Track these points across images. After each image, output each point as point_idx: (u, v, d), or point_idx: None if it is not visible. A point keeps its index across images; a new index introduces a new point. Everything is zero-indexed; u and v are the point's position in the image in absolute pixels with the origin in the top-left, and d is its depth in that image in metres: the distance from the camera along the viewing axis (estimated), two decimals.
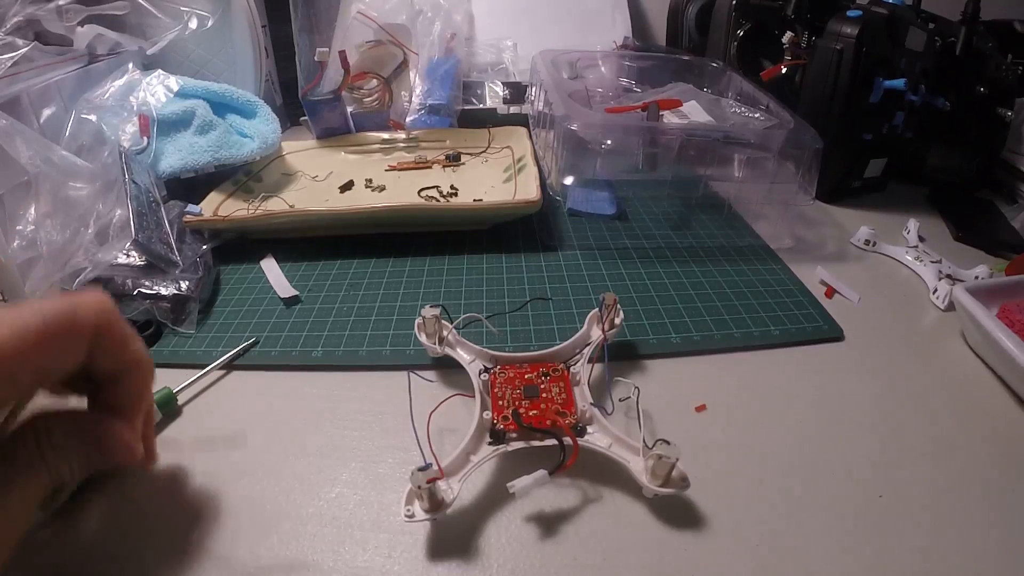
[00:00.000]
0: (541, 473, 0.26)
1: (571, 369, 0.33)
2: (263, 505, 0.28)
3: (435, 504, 0.25)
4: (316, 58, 0.65)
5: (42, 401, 0.24)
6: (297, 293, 0.44)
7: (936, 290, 0.44)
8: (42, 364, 0.21)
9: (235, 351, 0.38)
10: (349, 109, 0.69)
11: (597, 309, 0.35)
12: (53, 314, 0.20)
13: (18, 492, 0.21)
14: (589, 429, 0.29)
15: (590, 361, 0.33)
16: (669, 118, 0.54)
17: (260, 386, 0.36)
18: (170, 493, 0.29)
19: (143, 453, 0.24)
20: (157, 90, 0.57)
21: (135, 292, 0.40)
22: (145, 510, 0.28)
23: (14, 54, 0.49)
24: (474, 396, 0.31)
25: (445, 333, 0.35)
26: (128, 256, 0.42)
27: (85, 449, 0.23)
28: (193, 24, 0.66)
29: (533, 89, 0.65)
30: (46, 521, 0.27)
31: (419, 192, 0.57)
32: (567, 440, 0.28)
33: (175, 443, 0.32)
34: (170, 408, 0.33)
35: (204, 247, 0.46)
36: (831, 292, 0.44)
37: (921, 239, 0.51)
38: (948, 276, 0.45)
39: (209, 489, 0.29)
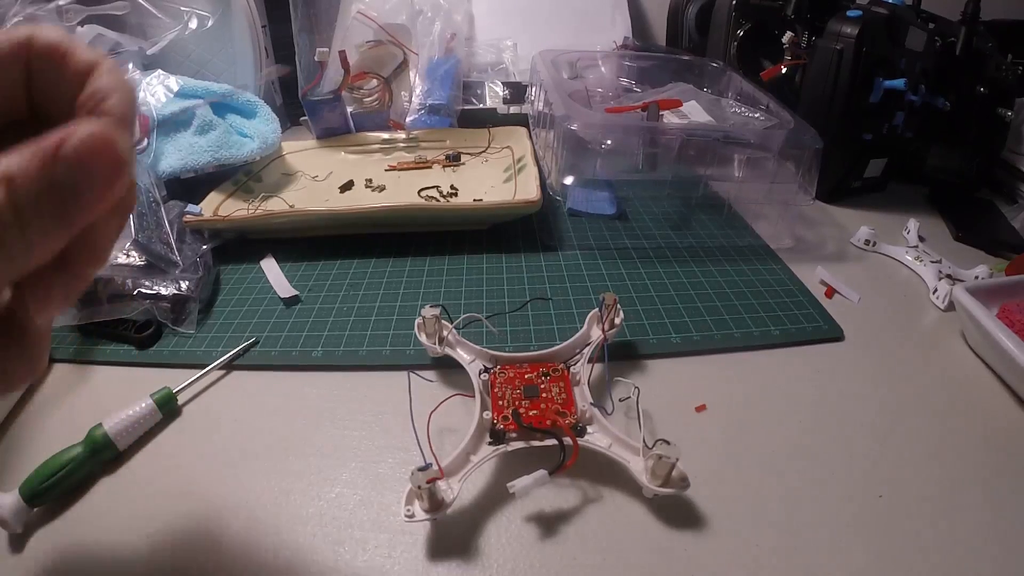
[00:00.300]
0: (541, 473, 0.26)
1: (571, 369, 0.33)
2: (263, 505, 0.28)
3: (435, 504, 0.25)
4: (316, 58, 0.65)
5: None
6: (297, 293, 0.44)
7: (936, 290, 0.44)
8: None
9: (235, 351, 0.38)
10: (349, 109, 0.69)
11: (597, 309, 0.35)
12: None
13: None
14: (589, 429, 0.29)
15: (590, 361, 0.33)
16: (669, 118, 0.54)
17: (260, 386, 0.36)
18: (170, 493, 0.29)
19: (127, 158, 0.15)
20: (157, 90, 0.57)
21: (135, 292, 0.40)
22: (145, 510, 0.28)
23: None
24: (474, 396, 0.31)
25: (445, 333, 0.35)
26: (128, 256, 0.42)
27: (40, 160, 0.14)
28: (193, 24, 0.66)
29: (533, 89, 0.65)
30: (44, 519, 0.27)
31: (419, 192, 0.57)
32: (567, 440, 0.28)
33: (175, 443, 0.32)
34: (170, 408, 0.33)
35: (204, 247, 0.46)
36: (831, 292, 0.44)
37: (921, 239, 0.51)
38: (948, 276, 0.45)
39: (209, 489, 0.29)
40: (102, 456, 0.30)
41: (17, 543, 0.26)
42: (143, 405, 0.32)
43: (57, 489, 0.28)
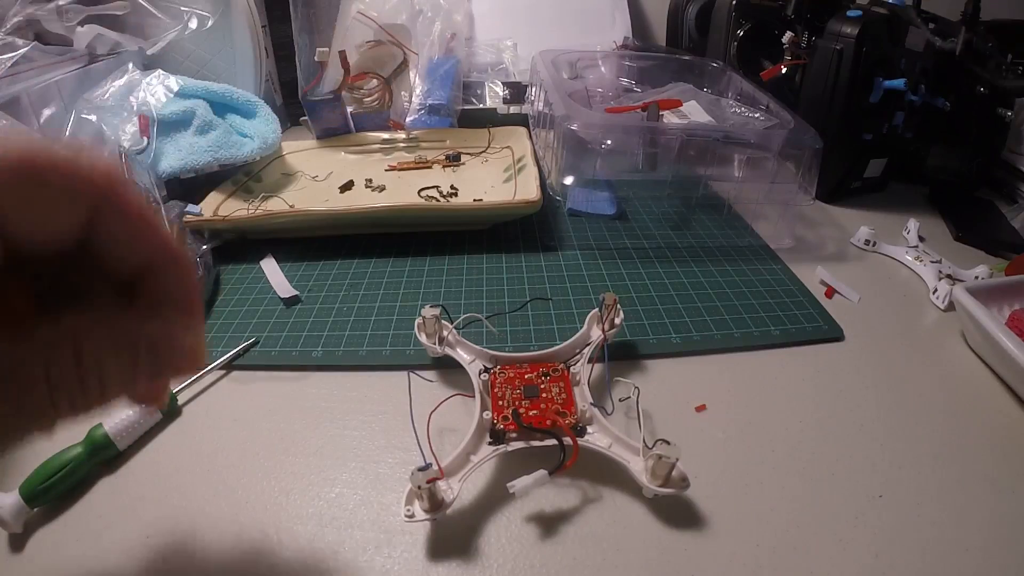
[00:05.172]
0: (541, 473, 0.26)
1: (571, 369, 0.33)
2: (263, 505, 0.28)
3: (435, 504, 0.25)
4: (316, 58, 0.65)
5: None
6: (297, 293, 0.44)
7: (936, 290, 0.44)
8: (11, 210, 0.14)
9: (235, 351, 0.38)
10: (349, 109, 0.69)
11: (597, 309, 0.35)
12: (48, 148, 0.15)
13: None
14: (589, 429, 0.29)
15: (590, 361, 0.33)
16: (669, 118, 0.54)
17: (260, 386, 0.36)
18: (169, 493, 0.29)
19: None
20: (157, 90, 0.57)
21: None
22: (145, 510, 0.28)
23: (14, 54, 0.49)
24: (474, 396, 0.31)
25: (445, 333, 0.35)
26: None
27: (131, 361, 0.16)
28: (193, 24, 0.66)
29: (533, 89, 0.65)
30: (44, 519, 0.27)
31: (419, 192, 0.57)
32: (567, 440, 0.28)
33: (175, 443, 0.32)
34: (170, 408, 0.33)
35: (204, 247, 0.46)
36: (831, 292, 0.44)
37: (921, 239, 0.51)
38: (948, 276, 0.45)
39: (208, 489, 0.29)
40: (102, 456, 0.30)
41: (17, 543, 0.26)
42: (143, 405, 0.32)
43: (57, 489, 0.28)
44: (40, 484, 0.27)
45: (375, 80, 0.72)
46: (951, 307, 0.42)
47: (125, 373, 0.16)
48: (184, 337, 0.18)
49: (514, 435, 0.29)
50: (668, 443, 0.25)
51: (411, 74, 0.73)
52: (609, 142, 0.49)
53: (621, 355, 0.37)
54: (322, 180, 0.61)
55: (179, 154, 0.54)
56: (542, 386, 0.31)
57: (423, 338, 0.35)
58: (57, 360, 0.15)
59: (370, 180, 0.60)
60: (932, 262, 0.47)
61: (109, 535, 0.27)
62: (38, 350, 0.15)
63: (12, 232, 0.14)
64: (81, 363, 0.15)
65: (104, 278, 0.17)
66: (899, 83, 0.53)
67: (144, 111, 0.54)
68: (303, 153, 0.66)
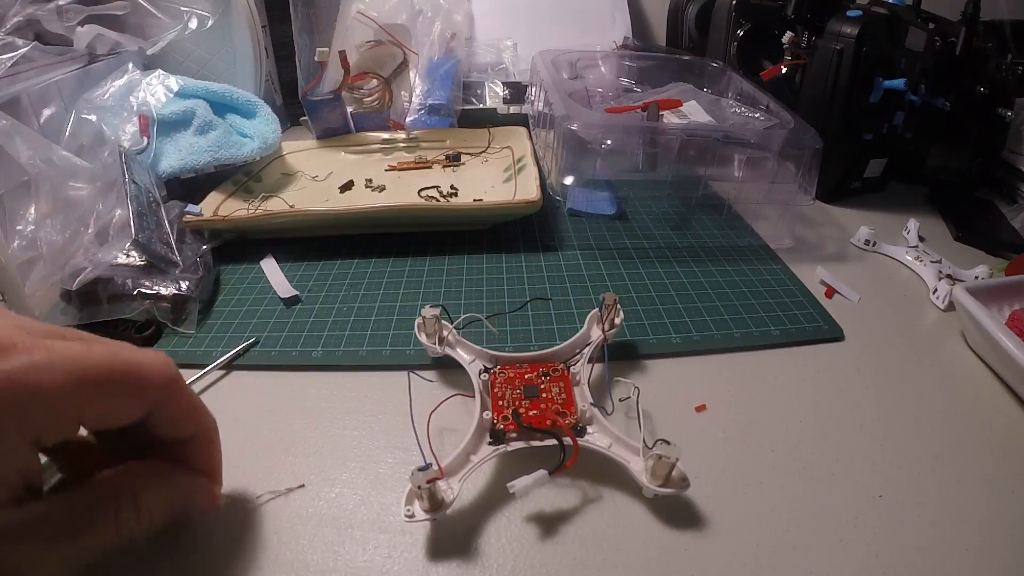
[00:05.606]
0: (541, 473, 0.26)
1: (571, 369, 0.33)
2: (263, 505, 0.28)
3: (435, 504, 0.25)
4: (316, 58, 0.65)
5: None
6: (297, 293, 0.44)
7: (936, 290, 0.44)
8: (89, 412, 0.20)
9: (235, 351, 0.38)
10: (349, 109, 0.69)
11: (597, 309, 0.35)
12: (116, 365, 0.20)
13: (72, 548, 0.20)
14: (589, 429, 0.29)
15: (590, 361, 0.33)
16: (669, 118, 0.54)
17: (260, 386, 0.36)
18: None
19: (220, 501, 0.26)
20: (157, 90, 0.57)
21: (135, 292, 0.40)
22: None
23: (14, 54, 0.49)
24: (474, 396, 0.31)
25: (445, 333, 0.35)
26: (128, 256, 0.42)
27: (172, 503, 0.23)
28: (193, 24, 0.66)
29: (533, 89, 0.65)
30: None
31: (419, 192, 0.57)
32: (567, 440, 0.28)
33: None
34: None
35: (204, 247, 0.46)
36: (831, 292, 0.44)
37: (921, 239, 0.51)
38: (948, 276, 0.45)
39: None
40: None
41: None
42: None
43: None
44: None
45: (375, 80, 0.72)
46: (951, 307, 0.42)
47: (168, 512, 0.23)
48: (211, 486, 0.25)
49: (514, 435, 0.29)
50: (668, 443, 0.25)
51: (411, 74, 0.73)
52: (609, 142, 0.49)
53: (621, 355, 0.37)
54: (322, 180, 0.61)
55: (179, 154, 0.54)
56: (542, 386, 0.31)
57: (423, 338, 0.35)
58: (123, 506, 0.22)
59: (370, 180, 0.60)
60: (932, 262, 0.47)
61: None
62: (111, 498, 0.21)
63: (90, 423, 0.21)
64: (140, 509, 0.22)
65: (156, 442, 0.24)
66: (899, 83, 0.53)
67: (144, 111, 0.54)
68: (303, 153, 0.66)
